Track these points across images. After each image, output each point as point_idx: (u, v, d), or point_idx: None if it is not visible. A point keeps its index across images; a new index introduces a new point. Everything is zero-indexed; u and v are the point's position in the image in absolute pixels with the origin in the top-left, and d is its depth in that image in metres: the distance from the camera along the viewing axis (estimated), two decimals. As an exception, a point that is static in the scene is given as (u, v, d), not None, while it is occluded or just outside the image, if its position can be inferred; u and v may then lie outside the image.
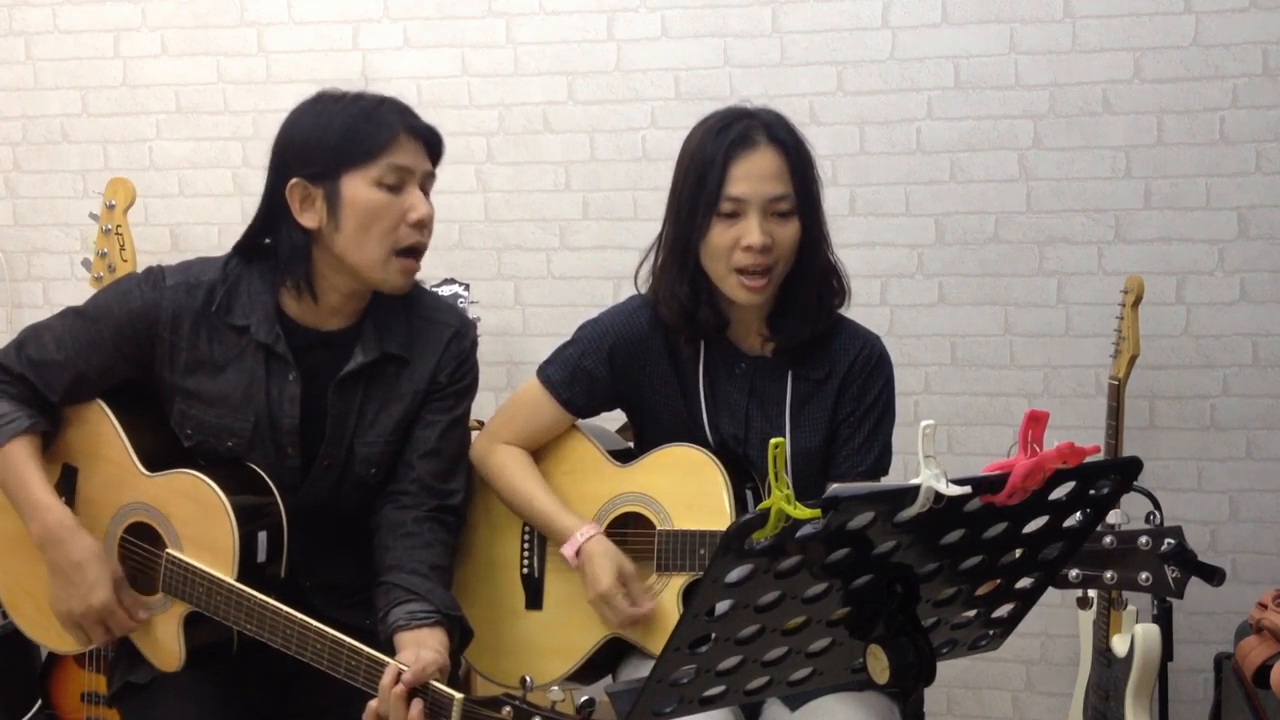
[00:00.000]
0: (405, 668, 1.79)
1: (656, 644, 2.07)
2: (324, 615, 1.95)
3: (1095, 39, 3.13)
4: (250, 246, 2.08)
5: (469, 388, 2.17)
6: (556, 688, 1.73)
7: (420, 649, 1.86)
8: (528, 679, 1.73)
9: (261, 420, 2.05)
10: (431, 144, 2.07)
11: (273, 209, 2.03)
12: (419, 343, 2.11)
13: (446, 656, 1.89)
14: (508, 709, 1.68)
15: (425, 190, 2.05)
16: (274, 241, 2.04)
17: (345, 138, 1.97)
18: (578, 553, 2.11)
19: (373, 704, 1.79)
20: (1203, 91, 3.10)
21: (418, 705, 1.76)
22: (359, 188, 1.97)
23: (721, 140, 2.06)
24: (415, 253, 2.04)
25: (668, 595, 2.10)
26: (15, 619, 2.18)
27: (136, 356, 2.07)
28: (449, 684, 1.80)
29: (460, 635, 2.05)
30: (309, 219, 2.00)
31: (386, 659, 1.81)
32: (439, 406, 2.12)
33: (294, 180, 1.99)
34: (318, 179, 1.98)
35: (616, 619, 2.08)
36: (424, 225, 2.03)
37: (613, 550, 2.10)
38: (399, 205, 1.99)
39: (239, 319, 2.04)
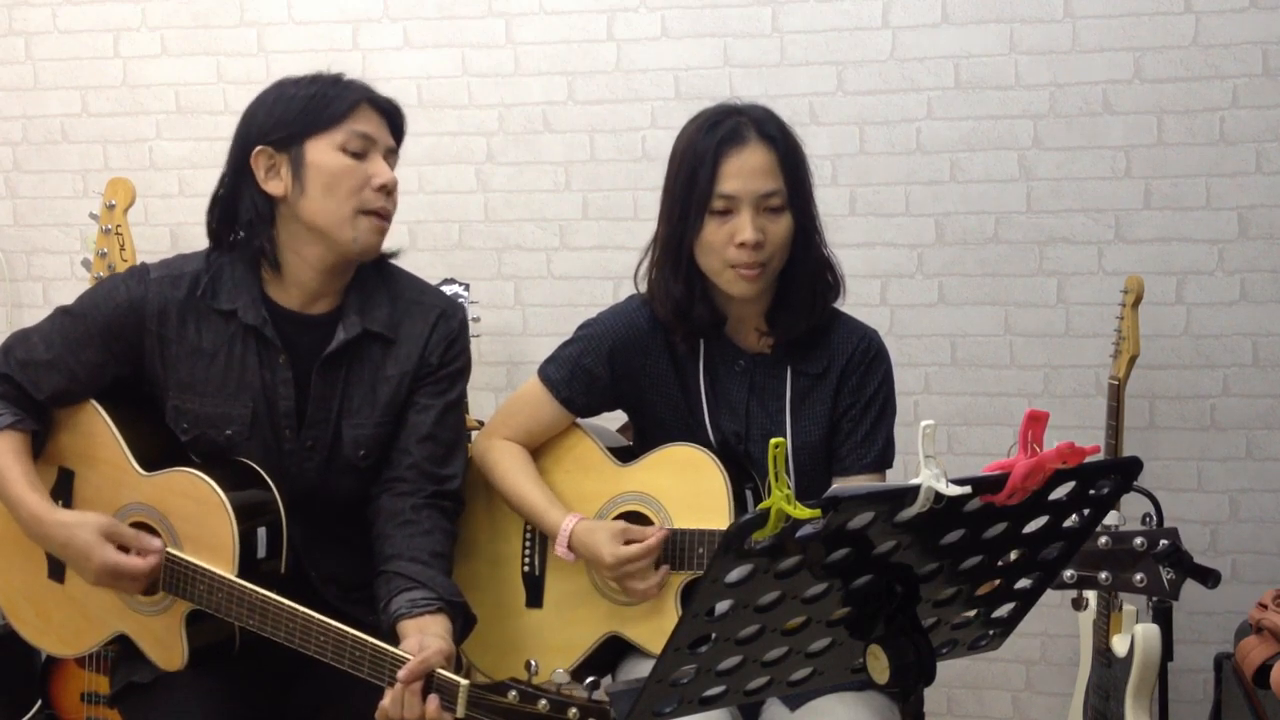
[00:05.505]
0: (410, 656, 1.78)
1: (656, 644, 2.07)
2: (332, 609, 1.95)
3: (1095, 39, 3.13)
4: (225, 235, 2.09)
5: (462, 370, 2.17)
6: (561, 670, 1.71)
7: (424, 636, 1.86)
8: (533, 662, 1.71)
9: (259, 405, 2.05)
10: (393, 119, 2.09)
11: (237, 182, 2.06)
12: (405, 324, 2.11)
13: (451, 643, 1.90)
14: (514, 693, 1.68)
15: (390, 165, 2.07)
16: (238, 212, 2.06)
17: (309, 106, 2.02)
18: (570, 547, 2.11)
19: (384, 703, 1.79)
20: (1203, 91, 3.10)
21: (434, 700, 1.76)
22: (323, 152, 2.00)
23: (711, 138, 2.07)
24: (382, 215, 2.05)
25: (668, 595, 2.10)
26: (14, 624, 2.17)
27: (125, 353, 2.07)
28: (454, 671, 1.80)
29: (464, 621, 2.06)
30: (274, 186, 2.03)
31: (390, 649, 1.81)
32: (432, 390, 2.12)
33: (259, 148, 2.02)
34: (282, 145, 2.02)
35: (638, 569, 2.05)
36: (388, 190, 2.05)
37: (598, 524, 2.11)
38: (363, 170, 2.02)
39: (225, 304, 2.05)
